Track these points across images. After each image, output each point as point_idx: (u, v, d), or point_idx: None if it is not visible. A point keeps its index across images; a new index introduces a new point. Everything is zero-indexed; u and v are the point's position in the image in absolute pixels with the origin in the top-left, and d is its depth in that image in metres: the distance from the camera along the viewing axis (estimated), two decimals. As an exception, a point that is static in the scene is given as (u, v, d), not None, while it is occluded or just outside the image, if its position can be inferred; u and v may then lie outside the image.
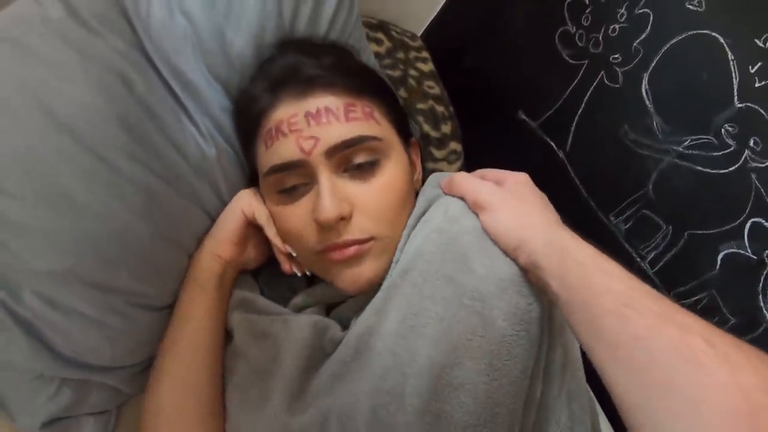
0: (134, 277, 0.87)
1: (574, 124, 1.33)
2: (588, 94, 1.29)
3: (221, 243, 0.98)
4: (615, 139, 1.23)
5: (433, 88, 1.49)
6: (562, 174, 1.37)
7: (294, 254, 0.97)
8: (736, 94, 1.02)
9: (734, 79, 1.02)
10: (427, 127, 1.41)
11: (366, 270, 0.89)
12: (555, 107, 1.38)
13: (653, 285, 1.09)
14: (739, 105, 1.02)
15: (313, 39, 1.06)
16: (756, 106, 1.00)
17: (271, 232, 0.98)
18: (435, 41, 1.70)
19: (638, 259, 1.22)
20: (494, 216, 0.83)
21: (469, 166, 1.50)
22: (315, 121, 0.87)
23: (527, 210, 0.83)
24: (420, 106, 1.42)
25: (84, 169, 0.79)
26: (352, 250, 0.87)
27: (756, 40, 0.98)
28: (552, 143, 1.39)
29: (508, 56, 1.53)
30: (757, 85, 0.99)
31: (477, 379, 0.74)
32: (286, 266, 0.99)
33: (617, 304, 0.63)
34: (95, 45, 0.86)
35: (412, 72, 1.49)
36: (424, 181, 1.03)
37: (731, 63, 1.02)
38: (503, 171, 0.92)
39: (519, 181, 0.89)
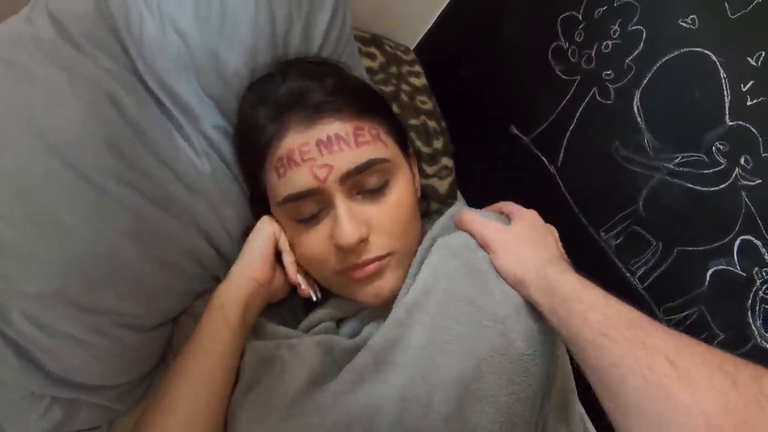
0: (121, 298, 0.88)
1: (565, 140, 1.33)
2: (580, 110, 1.29)
3: (254, 262, 0.97)
4: (606, 155, 1.23)
5: (426, 103, 1.49)
6: (553, 189, 1.37)
7: (302, 285, 0.99)
8: (727, 112, 1.02)
9: (726, 97, 1.02)
10: (418, 143, 1.41)
11: (387, 283, 0.94)
12: (547, 122, 1.37)
13: (643, 301, 1.10)
14: (731, 123, 1.02)
15: (309, 58, 1.07)
16: (747, 125, 1.00)
17: (289, 259, 0.99)
18: (428, 54, 1.70)
19: (628, 275, 1.22)
20: (497, 255, 0.91)
21: (461, 181, 1.51)
22: (327, 150, 0.89)
23: (525, 250, 0.90)
24: (412, 122, 1.42)
25: (72, 191, 0.81)
26: (372, 267, 0.92)
27: (749, 59, 0.98)
28: (543, 158, 1.39)
29: (501, 71, 1.53)
30: (748, 103, 0.99)
31: (498, 392, 0.81)
32: (304, 291, 1.00)
33: (594, 334, 0.69)
34: (85, 65, 0.88)
35: (405, 87, 1.49)
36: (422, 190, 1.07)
37: (723, 81, 1.02)
38: (516, 207, 1.02)
39: (524, 218, 0.98)
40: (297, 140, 0.90)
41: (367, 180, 0.92)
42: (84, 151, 0.82)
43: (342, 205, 0.90)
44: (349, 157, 0.90)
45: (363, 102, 0.97)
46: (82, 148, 0.82)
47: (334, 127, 0.91)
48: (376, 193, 0.93)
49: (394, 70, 1.50)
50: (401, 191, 0.96)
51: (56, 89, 0.83)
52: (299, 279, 0.99)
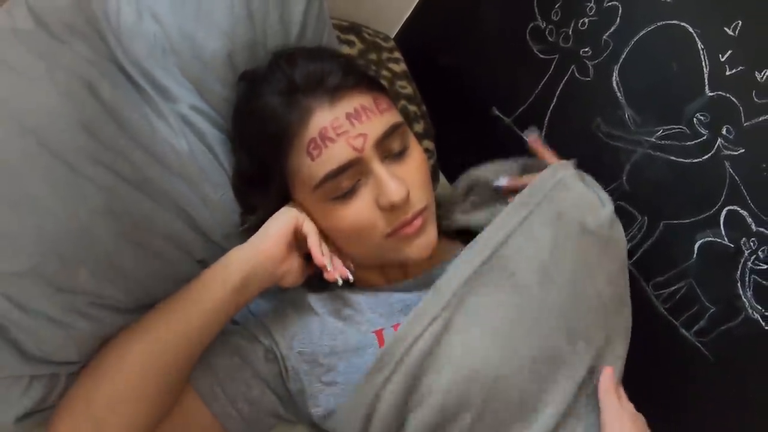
0: (97, 277, 0.87)
1: (547, 119, 1.33)
2: (560, 89, 1.29)
3: (267, 238, 0.97)
4: (588, 132, 1.23)
5: (406, 88, 1.49)
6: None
7: (329, 267, 0.97)
8: (707, 83, 1.02)
9: (705, 68, 1.02)
10: (399, 128, 1.41)
11: (431, 234, 0.99)
12: (528, 102, 1.37)
13: (631, 277, 1.10)
14: (711, 94, 1.02)
15: (307, 47, 1.09)
16: (727, 95, 1.00)
17: (313, 239, 0.98)
18: (408, 42, 1.69)
19: (615, 251, 1.22)
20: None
21: (444, 164, 1.52)
22: (357, 120, 0.92)
23: None
24: (393, 106, 1.42)
25: (46, 171, 0.82)
26: (419, 221, 0.96)
27: (726, 29, 0.98)
28: (526, 138, 1.38)
29: (480, 54, 1.53)
30: (727, 73, 0.99)
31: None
32: (331, 274, 0.98)
33: None
34: (63, 54, 0.89)
35: (385, 73, 1.48)
36: None
37: (701, 52, 1.02)
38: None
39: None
40: (326, 118, 0.92)
41: (392, 144, 0.96)
42: (59, 133, 0.84)
43: (382, 168, 0.93)
44: (378, 124, 0.93)
45: (369, 78, 1.01)
46: (58, 130, 0.83)
47: (358, 100, 0.94)
48: (402, 154, 0.97)
49: (373, 56, 1.49)
50: (418, 150, 1.01)
51: (34, 77, 0.85)
52: (326, 261, 0.97)
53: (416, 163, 0.99)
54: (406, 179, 0.94)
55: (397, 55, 1.57)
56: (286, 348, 1.00)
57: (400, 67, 1.53)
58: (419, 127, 1.46)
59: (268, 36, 1.05)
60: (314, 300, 1.04)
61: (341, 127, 0.91)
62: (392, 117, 0.97)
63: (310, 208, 0.99)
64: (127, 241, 0.90)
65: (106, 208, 0.87)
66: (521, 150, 1.37)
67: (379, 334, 0.98)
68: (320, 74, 0.94)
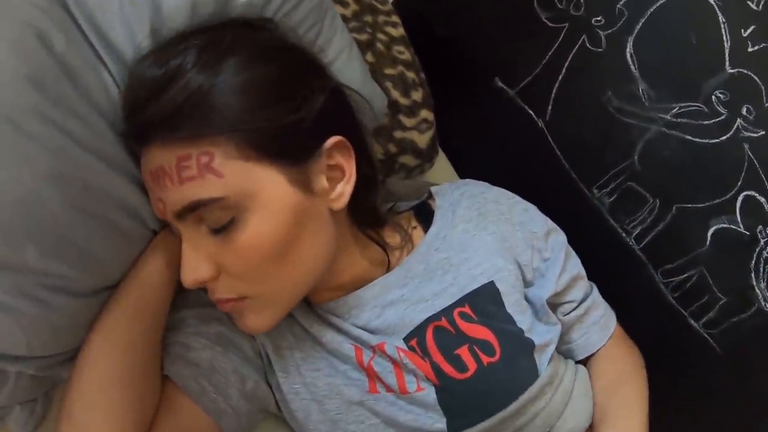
0: (45, 254, 0.80)
1: (554, 92, 1.32)
2: (569, 60, 1.27)
3: None
4: (598, 106, 1.21)
5: (403, 53, 1.46)
6: (542, 144, 1.36)
7: None
8: (727, 59, 1.01)
9: (725, 43, 1.00)
10: (396, 94, 1.39)
11: (253, 323, 0.90)
12: (534, 74, 1.35)
13: (639, 262, 1.09)
14: (731, 71, 1.00)
15: (192, 29, 0.90)
16: (749, 72, 0.99)
17: None
18: (407, 6, 1.67)
19: (623, 235, 1.23)
20: None
21: (443, 137, 1.50)
22: (155, 184, 0.83)
23: None
24: (388, 71, 1.39)
25: None
26: (228, 306, 0.88)
27: (749, 2, 0.96)
28: (531, 112, 1.38)
29: (483, 20, 1.50)
30: (750, 49, 0.98)
31: None
32: None
33: None
34: (12, 2, 0.80)
35: (381, 36, 1.46)
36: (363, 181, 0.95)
37: (722, 26, 1.00)
38: None
39: None
40: (142, 164, 0.86)
41: (207, 216, 0.82)
42: (3, 88, 0.75)
43: (187, 240, 0.84)
44: (173, 196, 0.81)
45: (195, 116, 0.81)
46: (2, 85, 0.75)
47: (159, 157, 0.81)
48: (222, 230, 0.83)
49: (368, 19, 1.47)
50: (257, 228, 0.84)
51: None
52: None
53: (242, 246, 0.83)
54: (220, 261, 0.84)
55: (394, 18, 1.54)
56: (265, 336, 1.00)
57: (398, 31, 1.51)
58: (418, 95, 1.44)
59: None
60: None
61: (147, 182, 0.85)
62: (199, 189, 0.80)
63: None
64: (78, 210, 0.83)
65: (55, 171, 0.80)
66: (525, 124, 1.36)
67: (357, 349, 0.97)
68: (134, 101, 0.83)
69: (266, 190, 0.84)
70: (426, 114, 1.44)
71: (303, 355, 0.99)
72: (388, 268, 1.03)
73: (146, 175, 0.84)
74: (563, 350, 1.12)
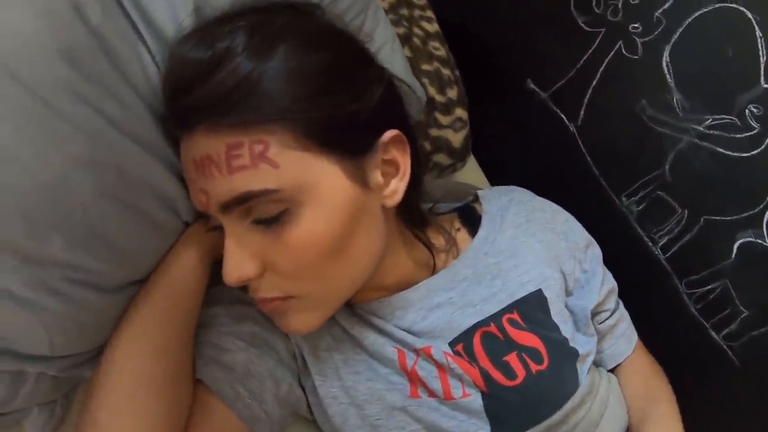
0: (73, 245, 0.74)
1: (587, 97, 1.32)
2: (604, 65, 1.27)
3: None
4: (631, 114, 1.21)
5: (439, 49, 1.47)
6: (572, 149, 1.36)
7: None
8: (762, 73, 1.01)
9: (761, 58, 1.00)
10: (432, 90, 1.39)
11: (297, 323, 0.85)
12: (567, 77, 1.36)
13: (664, 272, 1.10)
14: (765, 85, 1.00)
15: (236, 9, 0.84)
16: (784, 89, 0.98)
17: None
18: (441, 1, 1.66)
19: (650, 244, 1.23)
20: None
21: (474, 137, 1.50)
22: (201, 173, 0.77)
23: None
24: (425, 67, 1.40)
25: (14, 107, 0.67)
26: (273, 305, 0.83)
27: (787, 17, 0.96)
28: (563, 116, 1.38)
29: (518, 20, 1.50)
30: (786, 66, 0.98)
31: None
32: None
33: None
34: None
35: (417, 31, 1.46)
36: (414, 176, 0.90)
37: (759, 40, 1.00)
38: None
39: None
40: (183, 153, 0.80)
41: (257, 209, 0.77)
42: (33, 61, 0.68)
43: (230, 235, 0.78)
44: (221, 187, 0.75)
45: (251, 102, 0.75)
46: (32, 56, 0.68)
47: (206, 145, 0.76)
48: (272, 224, 0.78)
49: (404, 12, 1.47)
50: (310, 224, 0.78)
51: None
52: None
53: (293, 243, 0.78)
54: (266, 258, 0.79)
55: (429, 13, 1.55)
56: (301, 337, 0.96)
57: (433, 26, 1.52)
58: (453, 93, 1.44)
59: None
60: None
61: (189, 173, 0.79)
62: (250, 180, 0.75)
63: None
64: (110, 199, 0.76)
65: (88, 156, 0.73)
66: (556, 128, 1.36)
67: (400, 353, 0.93)
68: (179, 83, 0.77)
69: (323, 183, 0.79)
70: (460, 112, 1.45)
71: (343, 357, 0.95)
72: (434, 270, 1.00)
73: (188, 164, 0.78)
74: (595, 359, 1.10)
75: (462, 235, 1.08)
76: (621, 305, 1.15)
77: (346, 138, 0.81)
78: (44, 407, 0.88)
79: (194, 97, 0.74)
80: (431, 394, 0.92)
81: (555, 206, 1.15)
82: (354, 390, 0.93)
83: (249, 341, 0.92)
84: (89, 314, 0.79)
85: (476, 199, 1.16)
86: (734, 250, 1.09)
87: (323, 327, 0.91)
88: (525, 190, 1.18)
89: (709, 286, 1.14)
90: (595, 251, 1.12)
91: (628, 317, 1.15)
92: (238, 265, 0.78)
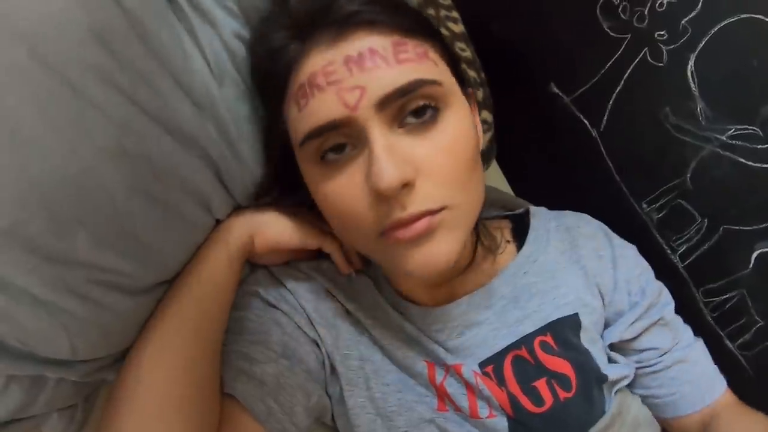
0: (98, 244, 0.72)
1: (610, 102, 1.32)
2: (628, 71, 1.27)
3: (265, 237, 0.94)
4: (654, 121, 1.22)
5: (465, 50, 1.47)
6: (594, 154, 1.36)
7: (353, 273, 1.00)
8: (787, 85, 1.00)
9: (787, 70, 1.00)
10: (459, 93, 1.39)
11: (440, 248, 0.78)
12: (591, 82, 1.36)
13: (682, 280, 1.11)
14: (790, 97, 1.00)
15: None
16: (808, 102, 0.98)
17: (337, 257, 0.99)
18: (464, 2, 1.67)
19: (668, 251, 1.24)
20: None
21: (497, 139, 1.50)
22: (358, 67, 0.75)
23: None
24: (455, 68, 1.41)
25: (40, 92, 0.64)
26: (422, 224, 0.76)
27: (814, 31, 0.96)
28: (585, 121, 1.38)
29: (542, 23, 1.51)
30: (810, 79, 0.98)
31: None
32: (344, 268, 1.00)
33: None
34: None
35: (444, 32, 1.44)
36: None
37: (786, 52, 1.00)
38: None
39: None
40: (321, 59, 0.76)
41: (413, 105, 0.77)
42: (61, 43, 0.64)
43: (379, 137, 0.74)
44: (387, 76, 0.75)
45: (408, 16, 0.82)
46: (60, 38, 0.64)
47: (368, 41, 0.76)
48: (425, 125, 0.77)
49: (431, 12, 1.47)
50: (458, 126, 0.80)
51: None
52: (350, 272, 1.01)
53: (446, 142, 0.78)
54: (420, 162, 0.77)
55: (455, 14, 1.55)
56: (332, 345, 0.97)
57: (459, 27, 1.52)
58: (479, 95, 1.44)
59: None
60: (347, 299, 1.01)
61: (335, 74, 0.75)
62: (418, 70, 0.77)
63: (305, 172, 0.87)
64: (140, 193, 0.75)
65: (118, 147, 0.70)
66: (578, 132, 1.37)
67: (430, 366, 0.94)
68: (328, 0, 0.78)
69: (459, 96, 0.85)
70: (486, 115, 1.44)
71: (373, 368, 0.96)
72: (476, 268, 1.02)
73: (333, 65, 0.76)
74: (647, 403, 1.08)
75: (510, 248, 1.08)
76: (691, 349, 1.09)
77: (461, 75, 0.90)
78: (64, 412, 0.88)
79: (354, 0, 0.78)
80: (457, 409, 0.93)
81: (608, 234, 1.14)
82: (383, 401, 0.94)
83: (280, 352, 0.92)
84: (114, 317, 0.78)
85: (527, 213, 1.15)
86: (752, 260, 1.09)
87: (353, 337, 0.97)
88: (577, 213, 1.18)
89: (726, 295, 1.14)
90: (649, 286, 1.09)
91: (709, 367, 1.10)
92: (398, 166, 0.73)
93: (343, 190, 0.79)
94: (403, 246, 0.78)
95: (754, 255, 1.09)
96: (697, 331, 1.17)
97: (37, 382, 0.79)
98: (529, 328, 0.97)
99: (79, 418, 0.90)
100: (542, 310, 0.99)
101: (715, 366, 1.10)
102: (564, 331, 0.97)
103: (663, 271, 1.22)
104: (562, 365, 0.94)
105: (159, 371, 0.78)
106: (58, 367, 0.77)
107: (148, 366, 0.78)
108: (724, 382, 1.07)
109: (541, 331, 0.97)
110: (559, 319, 0.98)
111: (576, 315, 0.99)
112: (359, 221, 0.80)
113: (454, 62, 0.89)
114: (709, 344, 1.17)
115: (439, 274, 0.79)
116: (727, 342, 1.17)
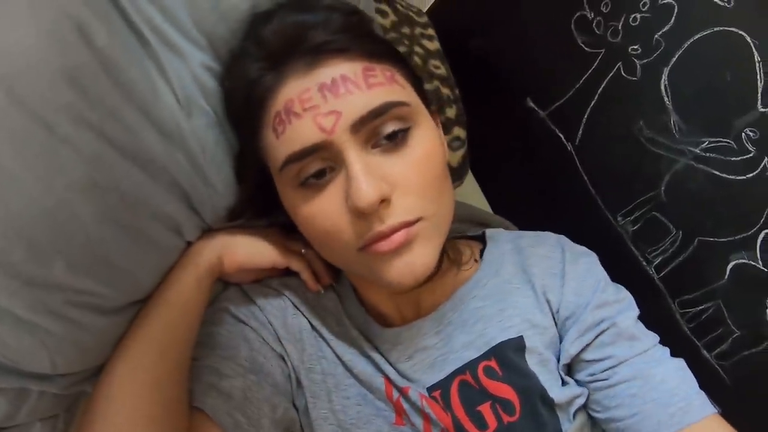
0: (74, 270, 0.77)
1: (585, 116, 1.34)
2: (603, 85, 1.29)
3: (234, 257, 0.97)
4: (629, 134, 1.24)
5: (439, 68, 1.49)
6: (570, 168, 1.38)
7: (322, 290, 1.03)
8: (759, 98, 1.03)
9: (759, 82, 1.03)
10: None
11: (419, 257, 0.81)
12: (566, 97, 1.38)
13: (658, 292, 1.12)
14: (763, 110, 1.03)
15: None
16: (780, 113, 1.01)
17: (306, 275, 1.02)
18: (440, 19, 1.69)
19: (644, 263, 1.25)
20: None
21: (472, 154, 1.52)
22: (332, 93, 0.79)
23: None
24: (425, 86, 1.41)
25: (16, 132, 0.69)
26: (400, 235, 0.80)
27: (786, 43, 0.99)
28: (561, 135, 1.40)
29: (518, 39, 1.53)
30: (783, 91, 1.00)
31: None
32: (313, 286, 1.02)
33: None
34: None
35: (418, 49, 1.48)
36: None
37: (757, 65, 1.02)
38: None
39: None
40: (296, 88, 0.81)
41: (384, 129, 0.81)
42: (36, 84, 0.69)
43: (356, 159, 0.78)
44: (359, 101, 0.79)
45: (375, 43, 0.88)
46: (34, 79, 0.69)
47: (339, 69, 0.81)
48: (397, 144, 0.82)
49: (406, 30, 1.49)
50: (427, 143, 0.85)
51: (12, 13, 0.68)
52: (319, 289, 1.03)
53: (417, 158, 0.83)
54: (395, 179, 0.81)
55: (431, 31, 1.57)
56: (297, 360, 1.00)
57: (434, 45, 1.54)
58: (451, 112, 1.46)
59: None
60: (313, 315, 1.04)
61: (310, 101, 0.79)
62: (386, 94, 0.82)
63: (283, 195, 0.90)
64: (112, 223, 0.80)
65: (90, 181, 0.75)
66: (553, 146, 1.38)
67: (387, 383, 0.96)
68: (299, 29, 0.83)
69: (426, 115, 0.90)
70: (458, 131, 1.46)
71: (335, 382, 0.98)
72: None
73: (308, 93, 0.80)
74: (610, 430, 0.98)
75: (476, 267, 1.08)
76: (650, 364, 0.96)
77: (425, 95, 0.95)
78: (46, 421, 0.92)
79: (325, 30, 0.83)
80: (413, 426, 0.94)
81: (565, 248, 1.08)
82: (343, 413, 0.96)
83: (248, 367, 0.94)
84: (90, 335, 0.83)
85: (484, 236, 1.14)
86: (727, 272, 1.11)
87: (316, 351, 1.00)
88: (541, 234, 1.14)
89: (702, 306, 1.16)
90: (604, 296, 1.00)
91: (676, 381, 0.95)
92: (374, 184, 0.77)
93: (323, 210, 0.83)
94: (382, 258, 0.82)
95: (730, 266, 1.11)
96: (674, 342, 1.17)
97: (20, 394, 0.83)
98: (473, 353, 0.97)
99: (61, 427, 0.94)
100: (486, 334, 0.98)
101: (701, 391, 0.94)
102: (508, 354, 0.96)
103: (638, 282, 1.22)
104: (505, 390, 0.94)
105: (128, 390, 0.81)
106: (40, 380, 0.82)
107: (118, 385, 0.82)
108: (712, 409, 0.91)
109: (485, 356, 0.96)
110: (502, 342, 0.97)
111: (520, 338, 0.97)
112: (340, 238, 0.83)
113: (418, 83, 0.95)
114: (686, 355, 1.18)
115: (417, 283, 0.83)
116: (704, 352, 1.18)
